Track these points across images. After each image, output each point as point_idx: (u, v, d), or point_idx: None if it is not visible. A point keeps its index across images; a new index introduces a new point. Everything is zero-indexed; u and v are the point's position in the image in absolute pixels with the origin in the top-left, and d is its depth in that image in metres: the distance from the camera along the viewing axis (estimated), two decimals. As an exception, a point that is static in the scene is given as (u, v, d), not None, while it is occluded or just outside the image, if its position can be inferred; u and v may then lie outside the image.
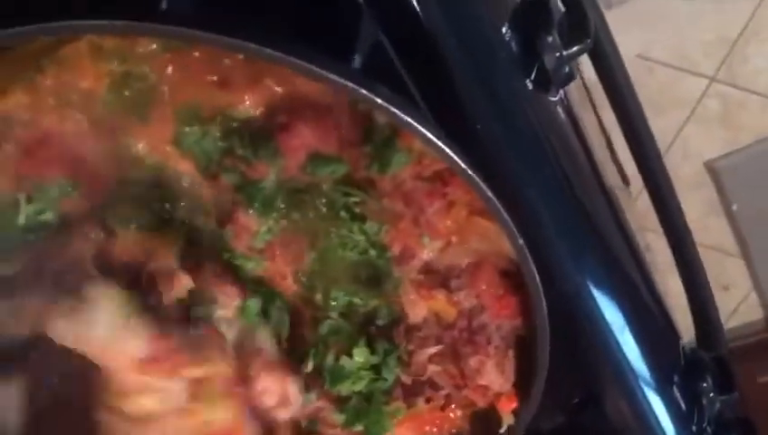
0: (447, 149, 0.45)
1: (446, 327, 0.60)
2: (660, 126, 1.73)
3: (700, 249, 1.92)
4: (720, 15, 1.54)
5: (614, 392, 0.72)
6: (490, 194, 0.47)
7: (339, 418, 0.62)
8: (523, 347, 0.62)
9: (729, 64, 1.59)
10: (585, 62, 0.86)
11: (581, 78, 1.09)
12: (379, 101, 0.42)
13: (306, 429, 0.66)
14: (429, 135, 0.45)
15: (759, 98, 1.62)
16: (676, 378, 0.76)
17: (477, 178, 0.46)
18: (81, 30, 0.42)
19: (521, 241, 0.49)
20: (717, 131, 1.67)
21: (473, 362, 0.60)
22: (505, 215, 0.48)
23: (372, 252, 0.57)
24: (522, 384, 0.63)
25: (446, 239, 0.57)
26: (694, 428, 0.76)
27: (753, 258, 1.80)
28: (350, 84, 0.41)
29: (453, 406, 0.64)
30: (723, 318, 1.94)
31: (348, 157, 0.53)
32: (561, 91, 0.62)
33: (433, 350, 0.60)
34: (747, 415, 0.85)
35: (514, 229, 0.49)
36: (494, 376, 0.61)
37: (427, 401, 0.63)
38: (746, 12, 1.54)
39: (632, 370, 0.71)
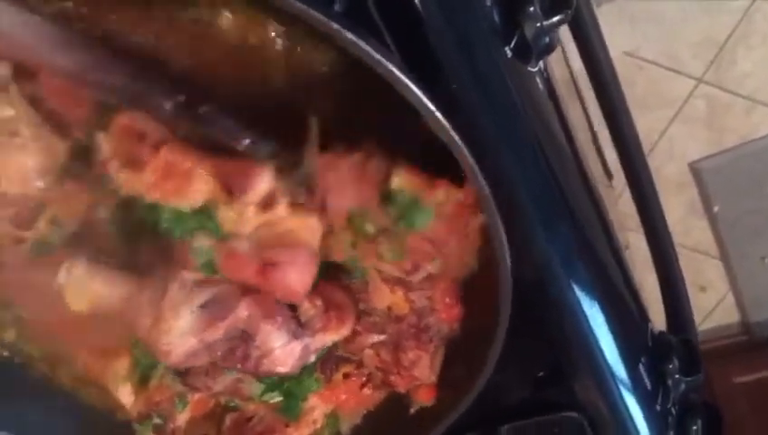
0: (412, 85, 0.46)
1: (396, 320, 0.63)
2: (646, 125, 1.75)
3: (680, 250, 1.95)
4: (710, 18, 1.56)
5: (580, 368, 0.73)
6: (454, 134, 0.47)
7: (257, 388, 0.64)
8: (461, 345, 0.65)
9: (717, 66, 1.61)
10: (575, 57, 0.87)
11: (570, 73, 1.10)
12: (352, 37, 0.43)
13: (224, 404, 0.68)
14: (399, 74, 0.45)
15: (744, 101, 1.64)
16: (643, 358, 0.77)
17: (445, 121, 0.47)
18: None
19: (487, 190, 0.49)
20: (702, 132, 1.69)
21: (412, 355, 0.64)
22: (470, 158, 0.48)
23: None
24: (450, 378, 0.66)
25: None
26: (658, 407, 0.77)
27: (731, 260, 1.82)
28: (335, 25, 0.42)
29: (369, 385, 0.68)
30: (699, 319, 1.97)
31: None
32: (541, 63, 0.63)
33: (378, 337, 0.63)
34: (713, 402, 0.86)
35: (479, 173, 0.49)
36: (426, 370, 0.65)
37: (345, 376, 0.67)
38: (736, 15, 1.56)
39: (599, 346, 0.72)
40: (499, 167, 0.60)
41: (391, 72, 0.45)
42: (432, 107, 0.47)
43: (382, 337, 0.65)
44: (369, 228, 0.57)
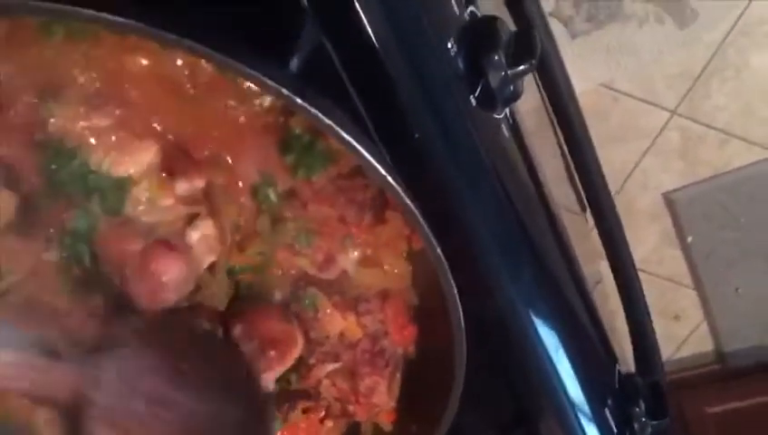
0: (360, 147, 0.46)
1: (349, 346, 0.62)
2: (621, 156, 1.77)
3: (654, 279, 1.96)
4: (685, 50, 1.57)
5: (546, 412, 0.73)
6: (402, 193, 0.47)
7: None
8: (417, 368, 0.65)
9: (691, 99, 1.62)
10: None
11: (544, 101, 1.11)
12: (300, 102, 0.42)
13: None
14: (341, 132, 0.45)
15: (718, 133, 1.65)
16: (609, 401, 0.77)
17: (391, 178, 0.47)
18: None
19: (438, 251, 0.49)
20: (676, 164, 1.70)
21: (368, 381, 0.64)
22: (420, 218, 0.48)
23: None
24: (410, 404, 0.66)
25: (364, 251, 0.58)
26: (624, 452, 0.77)
27: (705, 290, 1.83)
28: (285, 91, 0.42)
29: (329, 418, 0.67)
30: (673, 348, 1.98)
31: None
32: (507, 110, 0.63)
33: (332, 366, 0.62)
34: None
35: (429, 233, 0.49)
36: (384, 396, 0.65)
37: (304, 411, 0.66)
38: (710, 49, 1.58)
39: (565, 390, 0.72)
40: (463, 214, 0.60)
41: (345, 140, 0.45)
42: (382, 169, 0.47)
43: (337, 365, 0.64)
44: (273, 196, 0.56)
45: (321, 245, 0.57)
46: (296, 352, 0.60)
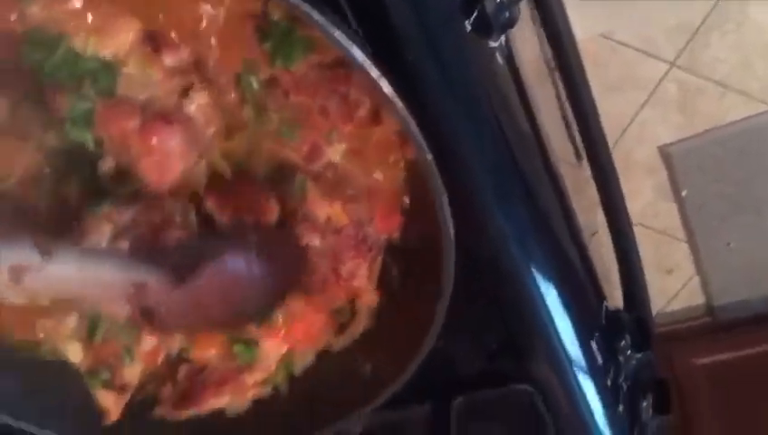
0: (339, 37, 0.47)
1: (334, 231, 0.63)
2: (618, 108, 1.77)
3: (648, 232, 1.97)
4: (685, 2, 1.56)
5: (533, 342, 0.74)
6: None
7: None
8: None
9: (690, 51, 1.62)
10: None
11: (544, 52, 1.11)
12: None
13: (175, 357, 0.69)
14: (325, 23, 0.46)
15: (716, 86, 1.65)
16: (595, 334, 0.79)
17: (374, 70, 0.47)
18: None
19: (429, 156, 0.50)
20: (674, 117, 1.71)
21: (350, 265, 0.65)
22: (408, 116, 0.49)
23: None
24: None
25: (351, 144, 0.59)
26: (609, 382, 0.79)
27: (698, 244, 1.85)
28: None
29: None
30: (664, 301, 2.00)
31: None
32: (502, 38, 0.64)
33: (317, 240, 0.64)
34: (662, 377, 0.88)
35: (416, 131, 0.50)
36: (365, 280, 0.66)
37: None
38: (711, 1, 1.57)
39: (552, 322, 0.73)
40: (453, 139, 0.61)
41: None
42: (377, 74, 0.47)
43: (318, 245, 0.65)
44: (255, 84, 0.56)
45: (306, 136, 0.58)
46: (272, 217, 0.60)
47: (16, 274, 0.48)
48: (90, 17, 0.51)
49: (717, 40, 1.61)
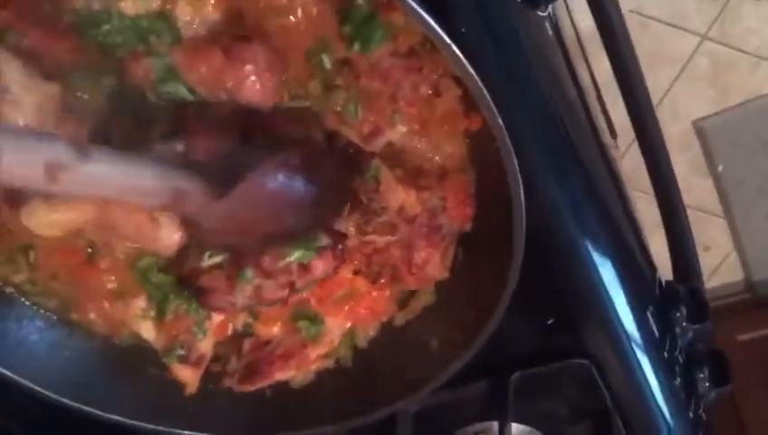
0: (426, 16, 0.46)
1: (407, 220, 0.63)
2: (650, 83, 1.73)
3: (684, 209, 1.92)
4: (716, -28, 1.54)
5: (589, 315, 0.74)
6: (465, 63, 0.48)
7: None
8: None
9: (721, 23, 1.60)
10: (581, 18, 0.86)
11: (576, 33, 1.10)
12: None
13: (242, 331, 0.69)
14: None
15: (749, 58, 1.63)
16: (650, 306, 0.78)
17: (453, 46, 0.47)
18: None
19: (499, 120, 0.49)
20: (706, 91, 1.68)
21: (424, 254, 0.65)
22: (480, 84, 0.48)
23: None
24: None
25: (412, 125, 0.59)
26: (666, 354, 0.78)
27: (735, 219, 1.82)
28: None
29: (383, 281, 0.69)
30: (703, 278, 1.97)
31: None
32: (550, 8, 0.63)
33: (392, 238, 0.63)
34: (720, 350, 0.87)
35: (489, 99, 0.49)
36: (438, 267, 0.66)
37: (356, 273, 0.68)
38: (742, -29, 1.55)
39: (608, 294, 0.72)
40: (507, 110, 0.60)
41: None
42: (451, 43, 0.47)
43: (394, 238, 0.65)
44: (327, 62, 0.56)
45: (369, 117, 0.58)
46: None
47: (52, 171, 0.46)
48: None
49: (749, 10, 1.58)
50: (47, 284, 0.65)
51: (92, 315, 0.66)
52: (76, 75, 0.55)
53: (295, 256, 0.61)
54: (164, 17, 0.53)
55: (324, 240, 0.61)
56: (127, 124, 0.57)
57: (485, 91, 0.48)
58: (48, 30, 0.53)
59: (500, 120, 0.49)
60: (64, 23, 0.54)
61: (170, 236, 0.60)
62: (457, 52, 0.47)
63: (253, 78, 0.54)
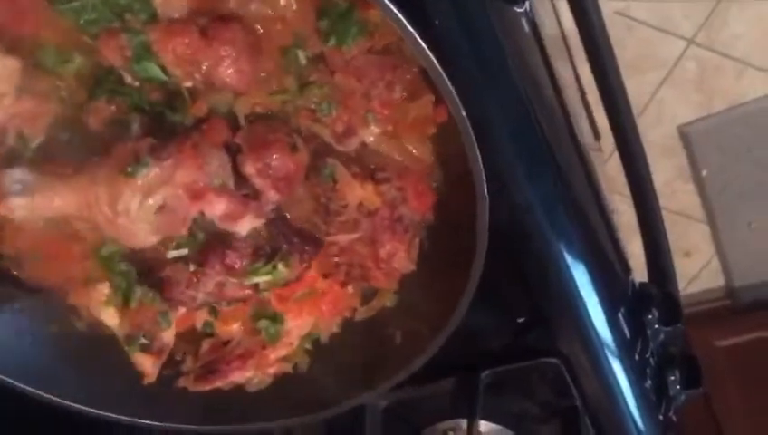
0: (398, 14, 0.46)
1: (368, 215, 0.62)
2: (636, 87, 1.74)
3: (666, 214, 1.95)
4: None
5: (560, 315, 0.73)
6: (433, 59, 0.47)
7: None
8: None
9: (708, 28, 1.60)
10: (566, 17, 0.86)
11: (561, 31, 1.09)
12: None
13: (201, 331, 0.68)
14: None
15: (735, 64, 1.63)
16: (623, 308, 0.78)
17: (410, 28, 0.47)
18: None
19: (463, 112, 0.49)
20: (692, 96, 1.69)
21: (389, 247, 0.64)
22: (442, 72, 0.48)
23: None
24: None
25: (385, 127, 0.58)
26: (637, 356, 0.78)
27: (717, 225, 1.83)
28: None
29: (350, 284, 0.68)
30: (683, 284, 1.98)
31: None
32: (527, 4, 0.63)
33: (355, 235, 0.63)
34: (693, 353, 0.87)
35: (452, 89, 0.49)
36: (404, 260, 0.65)
37: (325, 277, 0.67)
38: (730, -24, 1.55)
39: (579, 294, 0.72)
40: (478, 105, 0.60)
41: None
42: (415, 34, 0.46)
43: (356, 235, 0.65)
44: (302, 58, 0.56)
45: (343, 116, 0.57)
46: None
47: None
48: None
49: (736, 15, 1.58)
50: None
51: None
52: (42, 51, 0.54)
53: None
54: None
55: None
56: (105, 111, 0.57)
57: (446, 78, 0.48)
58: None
59: (463, 112, 0.48)
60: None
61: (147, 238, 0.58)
62: (417, 37, 0.46)
63: (229, 61, 0.54)
